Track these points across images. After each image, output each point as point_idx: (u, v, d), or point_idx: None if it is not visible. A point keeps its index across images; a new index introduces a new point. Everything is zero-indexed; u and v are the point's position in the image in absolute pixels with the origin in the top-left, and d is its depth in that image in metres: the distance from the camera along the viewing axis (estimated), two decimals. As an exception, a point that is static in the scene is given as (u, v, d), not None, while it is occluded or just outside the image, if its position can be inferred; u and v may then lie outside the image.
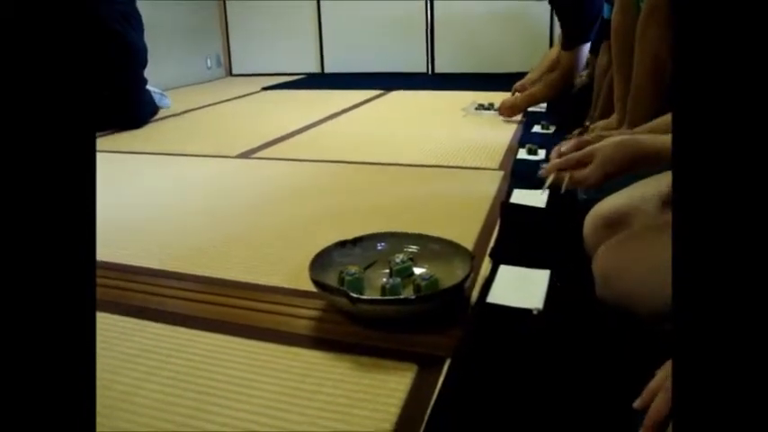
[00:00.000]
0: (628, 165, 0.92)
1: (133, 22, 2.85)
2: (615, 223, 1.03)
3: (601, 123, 1.69)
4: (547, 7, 3.63)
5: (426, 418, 0.75)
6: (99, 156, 2.27)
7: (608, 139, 0.95)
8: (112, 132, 2.71)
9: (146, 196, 1.77)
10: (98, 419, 0.77)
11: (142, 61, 2.87)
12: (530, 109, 2.92)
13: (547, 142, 2.14)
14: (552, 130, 2.42)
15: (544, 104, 2.95)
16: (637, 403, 0.68)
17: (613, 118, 1.65)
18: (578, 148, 0.98)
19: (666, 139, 0.90)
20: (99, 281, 1.18)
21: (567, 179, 0.97)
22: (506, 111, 2.69)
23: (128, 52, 2.74)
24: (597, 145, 0.94)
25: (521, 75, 3.36)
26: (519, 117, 2.74)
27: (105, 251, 1.32)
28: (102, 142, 2.55)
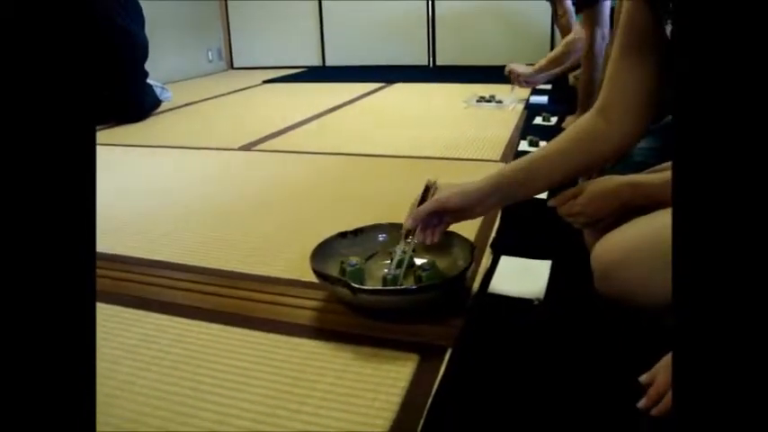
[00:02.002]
0: (613, 202, 0.93)
1: (133, 14, 2.84)
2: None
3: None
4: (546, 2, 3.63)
5: (427, 407, 0.75)
6: (100, 149, 2.27)
7: (603, 182, 0.96)
8: (114, 125, 2.71)
9: (147, 188, 1.77)
10: (99, 408, 0.77)
11: (143, 54, 2.86)
12: (531, 100, 2.92)
13: (548, 134, 2.14)
14: (553, 121, 2.41)
15: (545, 97, 2.95)
16: (642, 403, 0.68)
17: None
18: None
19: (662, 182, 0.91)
20: (100, 272, 1.18)
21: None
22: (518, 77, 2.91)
23: (128, 45, 2.74)
24: (588, 182, 0.96)
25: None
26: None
27: (106, 242, 1.32)
28: (104, 135, 2.54)
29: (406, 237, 1.01)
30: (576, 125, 0.98)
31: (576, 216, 0.97)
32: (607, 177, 0.97)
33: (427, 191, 1.03)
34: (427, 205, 0.98)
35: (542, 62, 2.97)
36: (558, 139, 0.99)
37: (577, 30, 2.62)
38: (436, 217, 0.99)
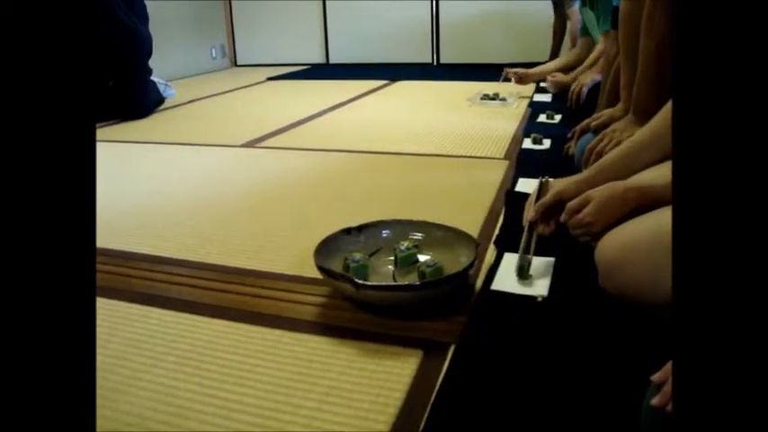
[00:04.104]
0: (621, 209, 0.96)
1: (138, 11, 2.85)
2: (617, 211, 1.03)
3: (607, 111, 1.68)
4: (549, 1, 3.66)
5: (431, 403, 0.76)
6: (105, 145, 2.28)
7: (602, 186, 0.98)
8: (117, 122, 2.72)
9: (151, 185, 1.78)
10: (105, 403, 0.78)
11: (147, 50, 2.87)
12: (535, 98, 2.92)
13: (552, 132, 2.14)
14: (557, 119, 2.41)
15: (549, 95, 2.95)
16: (655, 401, 0.68)
17: (619, 106, 1.65)
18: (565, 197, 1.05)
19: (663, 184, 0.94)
20: (106, 268, 1.18)
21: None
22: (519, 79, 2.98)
23: (133, 41, 2.74)
24: (591, 191, 0.98)
25: (525, 65, 3.35)
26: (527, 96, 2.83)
27: (111, 239, 1.33)
28: (108, 132, 2.55)
29: (530, 229, 1.09)
30: (668, 106, 1.02)
31: (586, 226, 0.97)
32: (611, 184, 0.99)
33: (542, 188, 1.11)
34: (548, 198, 1.07)
35: (550, 65, 2.97)
36: (653, 123, 1.05)
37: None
38: (553, 210, 1.06)
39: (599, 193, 0.98)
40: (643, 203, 0.93)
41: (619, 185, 0.98)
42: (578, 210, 0.99)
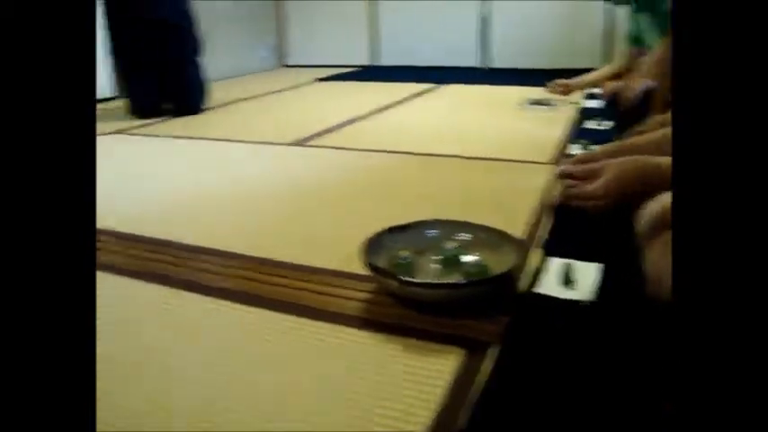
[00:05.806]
0: (637, 185, 0.92)
1: (184, 10, 2.90)
2: (668, 219, 1.02)
3: (658, 118, 1.66)
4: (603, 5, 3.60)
5: (473, 400, 0.76)
6: (156, 140, 2.34)
7: (620, 159, 0.97)
8: (170, 118, 2.79)
9: (203, 180, 1.81)
10: (142, 389, 0.80)
11: (192, 44, 2.92)
12: (586, 104, 2.88)
13: (602, 138, 2.11)
14: (609, 126, 2.38)
15: (601, 101, 2.91)
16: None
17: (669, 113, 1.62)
18: (583, 162, 1.02)
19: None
20: (159, 257, 1.22)
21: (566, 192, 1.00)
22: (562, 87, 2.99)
23: (179, 38, 2.81)
24: (608, 162, 0.97)
25: (576, 71, 3.32)
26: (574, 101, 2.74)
27: (165, 229, 1.36)
28: (160, 127, 2.62)
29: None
30: None
31: (599, 199, 0.95)
32: (628, 159, 0.96)
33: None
34: (583, 154, 1.12)
35: (593, 75, 2.96)
36: None
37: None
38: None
39: (614, 167, 0.96)
40: (656, 181, 0.91)
41: (637, 161, 0.96)
42: (584, 161, 0.97)
